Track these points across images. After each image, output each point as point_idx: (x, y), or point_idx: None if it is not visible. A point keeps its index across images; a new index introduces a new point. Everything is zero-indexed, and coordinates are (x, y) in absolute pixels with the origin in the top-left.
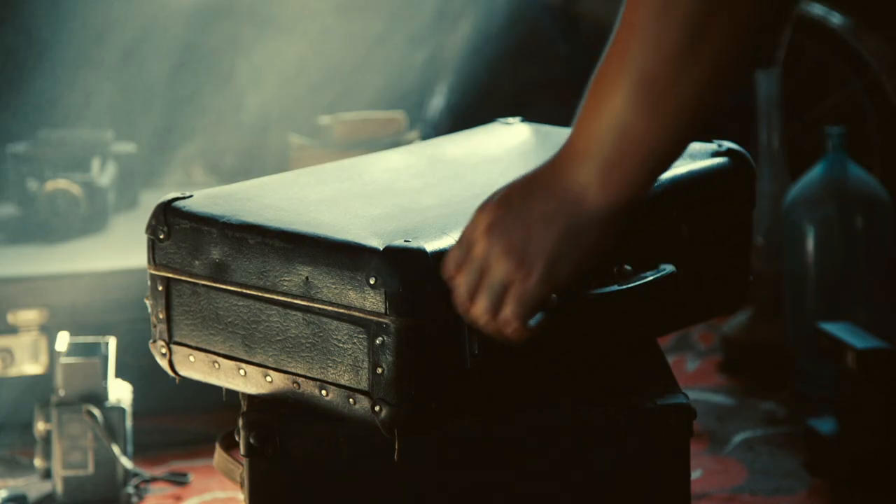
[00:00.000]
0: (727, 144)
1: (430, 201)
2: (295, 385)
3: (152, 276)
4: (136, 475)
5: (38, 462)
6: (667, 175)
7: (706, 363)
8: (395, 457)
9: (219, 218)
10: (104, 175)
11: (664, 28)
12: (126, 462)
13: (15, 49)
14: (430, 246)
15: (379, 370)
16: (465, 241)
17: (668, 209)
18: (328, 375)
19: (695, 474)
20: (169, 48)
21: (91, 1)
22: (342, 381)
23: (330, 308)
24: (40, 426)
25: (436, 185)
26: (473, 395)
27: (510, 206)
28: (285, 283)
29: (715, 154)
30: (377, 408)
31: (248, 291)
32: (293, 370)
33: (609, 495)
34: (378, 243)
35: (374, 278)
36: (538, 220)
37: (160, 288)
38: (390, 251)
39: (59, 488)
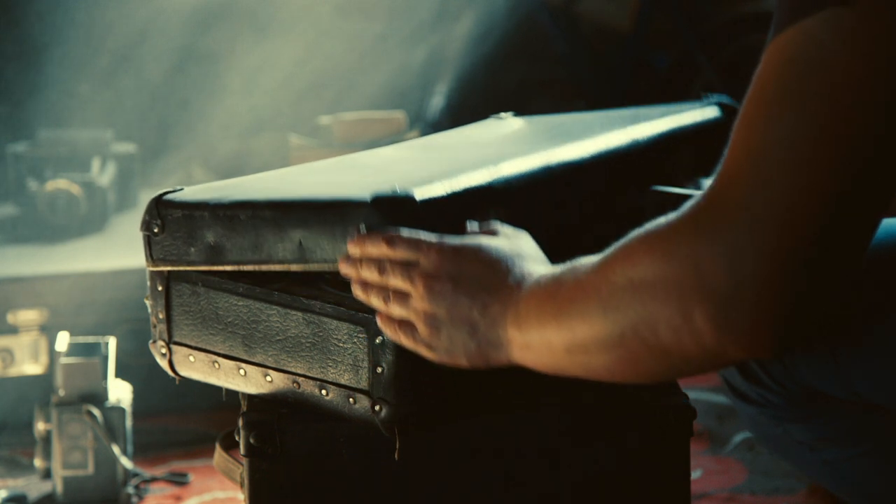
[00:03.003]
0: (716, 97)
1: (421, 172)
2: (295, 385)
3: (151, 274)
4: (136, 475)
5: (38, 462)
6: (660, 129)
7: None
8: (396, 457)
9: (209, 201)
10: (104, 175)
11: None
12: (126, 462)
13: (15, 49)
14: (420, 193)
15: (379, 369)
16: (421, 245)
17: (661, 162)
18: (328, 375)
19: (695, 474)
20: (169, 49)
21: (91, 1)
22: (342, 381)
23: (329, 307)
24: (40, 426)
25: (425, 161)
26: (473, 395)
27: (458, 279)
28: (280, 252)
29: (704, 107)
30: (377, 407)
31: (246, 268)
32: (293, 370)
33: (609, 495)
34: (367, 196)
35: (364, 227)
36: (464, 321)
37: (160, 288)
38: (378, 199)
39: (59, 488)
